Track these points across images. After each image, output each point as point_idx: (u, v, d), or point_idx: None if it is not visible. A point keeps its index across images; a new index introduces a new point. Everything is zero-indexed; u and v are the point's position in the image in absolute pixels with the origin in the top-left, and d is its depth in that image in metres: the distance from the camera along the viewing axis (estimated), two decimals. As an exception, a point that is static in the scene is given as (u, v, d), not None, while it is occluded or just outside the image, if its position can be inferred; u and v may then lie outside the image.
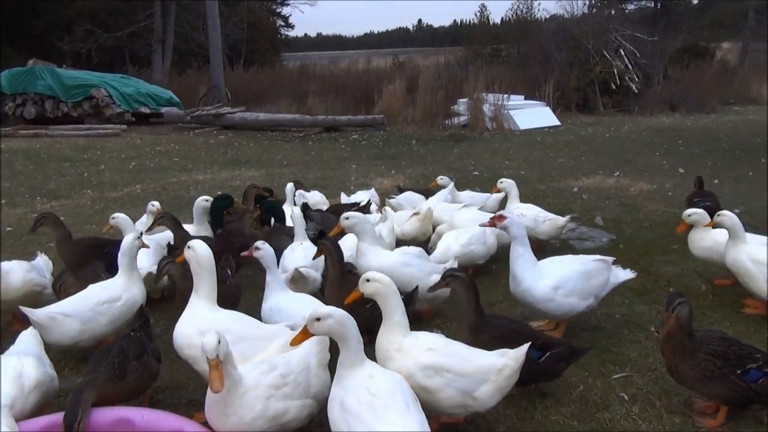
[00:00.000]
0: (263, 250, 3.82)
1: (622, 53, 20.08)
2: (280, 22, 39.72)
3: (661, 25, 24.34)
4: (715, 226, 4.42)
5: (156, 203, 5.66)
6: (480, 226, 4.43)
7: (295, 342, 2.69)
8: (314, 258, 4.23)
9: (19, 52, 23.16)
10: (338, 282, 3.86)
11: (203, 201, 5.47)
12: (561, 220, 5.65)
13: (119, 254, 3.90)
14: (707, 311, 4.38)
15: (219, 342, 2.48)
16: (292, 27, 42.19)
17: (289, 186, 6.48)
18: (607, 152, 11.85)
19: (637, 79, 19.74)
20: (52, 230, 4.84)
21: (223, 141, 15.01)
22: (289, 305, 3.58)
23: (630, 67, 19.91)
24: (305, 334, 2.63)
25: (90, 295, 3.74)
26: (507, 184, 5.98)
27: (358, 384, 2.49)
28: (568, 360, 3.20)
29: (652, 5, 29.29)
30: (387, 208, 6.07)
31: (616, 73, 19.34)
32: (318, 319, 2.57)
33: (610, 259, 4.00)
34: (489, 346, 3.04)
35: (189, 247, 3.31)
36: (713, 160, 10.53)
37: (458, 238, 5.03)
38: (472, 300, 3.25)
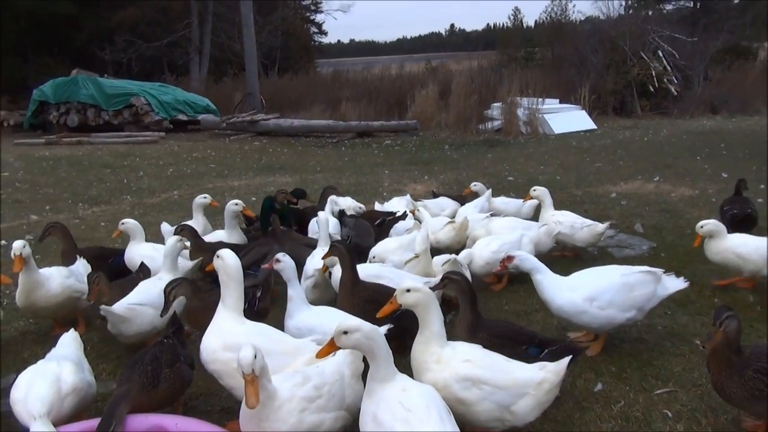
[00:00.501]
0: (284, 262, 3.70)
1: (661, 54, 19.60)
2: (313, 29, 40.13)
3: (701, 25, 23.66)
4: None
5: (240, 202, 5.68)
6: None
7: (321, 355, 2.63)
8: (323, 258, 4.14)
9: (63, 62, 23.95)
10: (351, 288, 3.82)
11: (233, 205, 5.53)
12: (600, 226, 5.51)
13: (163, 254, 4.18)
14: (755, 323, 4.19)
15: (255, 356, 2.43)
16: (326, 34, 42.63)
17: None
18: (646, 156, 11.55)
19: (676, 81, 19.25)
20: (59, 239, 4.95)
21: (258, 147, 15.19)
22: (321, 322, 3.44)
23: (669, 68, 19.42)
24: (331, 346, 2.58)
25: (149, 287, 3.99)
26: (540, 191, 5.85)
27: (391, 398, 2.43)
28: (568, 356, 3.01)
29: (691, 5, 28.52)
30: (421, 208, 6.06)
31: (654, 75, 18.89)
32: (345, 333, 2.52)
33: (659, 270, 3.80)
34: (486, 343, 3.02)
35: (218, 257, 3.30)
36: (758, 164, 10.14)
37: (490, 244, 4.98)
38: (468, 302, 3.27)
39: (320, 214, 5.02)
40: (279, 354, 3.03)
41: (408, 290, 2.84)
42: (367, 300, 3.67)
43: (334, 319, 3.36)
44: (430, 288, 3.35)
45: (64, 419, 2.84)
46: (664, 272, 3.85)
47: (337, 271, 4.15)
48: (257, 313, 3.84)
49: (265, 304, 4.05)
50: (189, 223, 5.80)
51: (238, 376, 2.54)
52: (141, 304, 3.86)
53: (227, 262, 3.24)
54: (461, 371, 2.72)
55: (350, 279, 3.86)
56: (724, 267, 4.77)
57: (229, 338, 3.05)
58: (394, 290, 3.86)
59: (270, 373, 2.60)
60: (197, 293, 3.72)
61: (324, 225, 4.87)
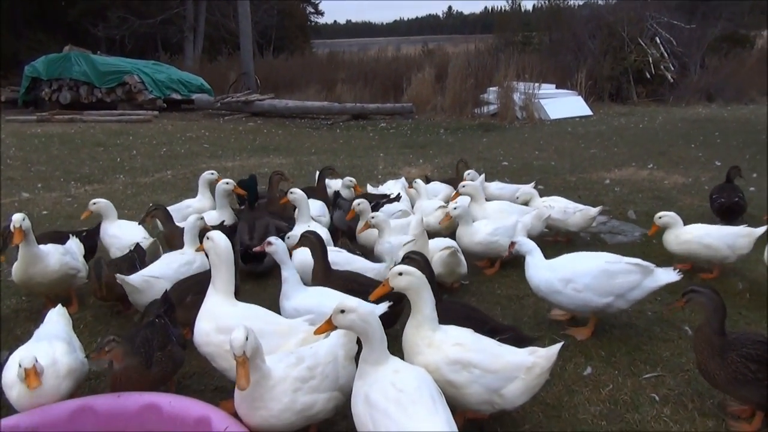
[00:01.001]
0: (276, 245, 3.72)
1: (658, 41, 19.53)
2: (309, 9, 39.71)
3: (700, 12, 23.51)
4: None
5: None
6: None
7: (319, 332, 2.67)
8: (295, 248, 4.09)
9: (55, 38, 23.61)
10: (323, 277, 3.85)
11: (224, 184, 5.54)
12: (592, 210, 5.60)
13: (185, 231, 4.36)
14: (744, 310, 4.25)
15: (246, 338, 2.46)
16: (322, 14, 42.25)
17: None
18: (641, 143, 11.57)
19: (672, 68, 19.21)
20: (162, 222, 4.97)
21: (252, 128, 15.10)
22: (318, 302, 3.44)
23: (666, 55, 19.36)
24: (329, 324, 2.61)
25: (171, 260, 4.23)
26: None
27: (383, 379, 2.46)
28: (517, 346, 3.00)
29: (690, -9, 28.36)
30: (418, 180, 6.17)
31: (651, 61, 18.84)
32: (342, 312, 2.55)
33: (650, 265, 3.82)
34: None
35: (208, 238, 3.29)
36: (752, 153, 10.19)
37: (486, 226, 5.02)
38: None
39: (295, 190, 5.06)
40: (272, 335, 3.05)
41: (400, 273, 2.84)
42: (340, 288, 3.68)
43: (330, 299, 3.40)
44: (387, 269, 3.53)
45: (57, 399, 2.85)
46: (651, 261, 3.89)
47: (299, 254, 4.19)
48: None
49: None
50: (193, 200, 5.97)
51: (230, 358, 2.56)
52: (156, 277, 3.99)
53: (217, 244, 3.23)
54: (452, 354, 2.75)
55: (322, 268, 3.91)
56: (689, 258, 4.91)
57: (221, 321, 3.06)
58: (367, 278, 3.98)
59: (264, 353, 2.62)
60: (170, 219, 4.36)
61: (302, 202, 4.93)
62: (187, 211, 5.55)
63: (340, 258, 4.36)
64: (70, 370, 2.90)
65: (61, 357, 2.90)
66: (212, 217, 5.37)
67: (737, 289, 4.63)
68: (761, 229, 4.67)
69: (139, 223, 4.97)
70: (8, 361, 2.87)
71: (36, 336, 3.12)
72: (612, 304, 3.75)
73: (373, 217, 4.81)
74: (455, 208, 5.08)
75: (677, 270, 3.83)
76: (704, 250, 4.73)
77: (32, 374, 2.80)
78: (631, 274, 3.74)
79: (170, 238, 4.87)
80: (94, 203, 4.95)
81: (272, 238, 3.80)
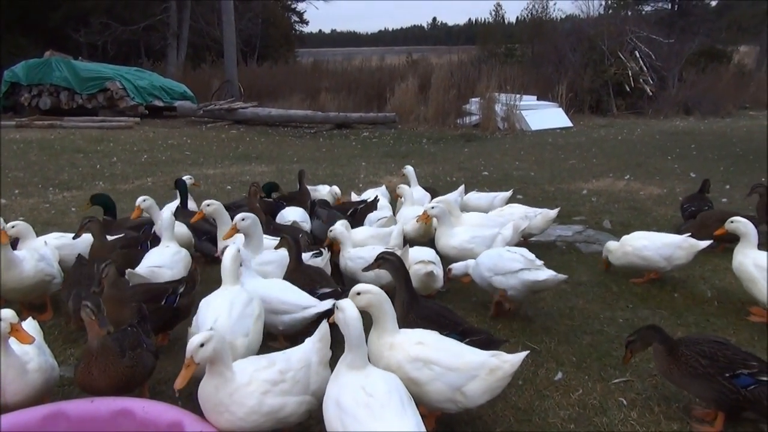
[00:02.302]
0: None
1: (638, 55, 19.91)
2: (294, 17, 39.79)
3: (678, 27, 24.06)
4: (728, 232, 4.43)
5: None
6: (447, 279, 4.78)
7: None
8: (276, 248, 4.38)
9: (36, 43, 23.39)
10: (293, 271, 4.16)
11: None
12: (551, 212, 5.79)
13: (163, 227, 4.75)
14: (712, 318, 4.35)
15: (202, 345, 2.57)
16: (307, 23, 42.30)
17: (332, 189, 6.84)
18: (619, 155, 11.78)
19: (651, 82, 19.57)
20: (95, 235, 4.81)
21: (235, 136, 15.09)
22: (263, 291, 3.73)
23: (645, 69, 19.74)
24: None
25: (160, 251, 4.56)
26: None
27: (354, 383, 2.51)
28: (486, 348, 3.09)
29: (669, 7, 28.98)
30: (402, 186, 6.24)
31: (630, 74, 19.19)
32: (359, 293, 2.83)
33: (537, 262, 4.21)
34: (413, 325, 3.17)
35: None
36: (726, 165, 10.43)
37: (464, 232, 5.07)
38: (402, 281, 3.48)
39: (212, 202, 4.97)
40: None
41: (359, 293, 2.92)
42: (304, 284, 3.97)
43: (281, 289, 3.82)
44: (364, 269, 3.75)
45: (29, 399, 2.85)
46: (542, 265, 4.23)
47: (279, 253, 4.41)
48: (176, 310, 3.83)
49: (188, 300, 3.92)
50: (172, 204, 6.00)
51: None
52: (159, 267, 4.36)
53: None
54: (413, 352, 2.82)
55: (296, 269, 4.17)
56: (627, 268, 5.08)
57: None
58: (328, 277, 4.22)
59: (228, 359, 2.67)
60: (103, 233, 4.53)
61: (220, 213, 4.92)
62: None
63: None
64: (39, 367, 2.93)
65: (32, 352, 2.96)
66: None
67: (706, 297, 4.74)
68: (704, 243, 4.78)
69: (73, 238, 4.77)
70: None
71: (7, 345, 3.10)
72: (493, 281, 4.24)
73: (331, 231, 4.84)
74: (433, 208, 5.14)
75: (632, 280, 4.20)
76: (641, 262, 4.91)
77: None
78: (515, 263, 4.18)
79: (98, 251, 4.59)
80: (13, 226, 4.58)
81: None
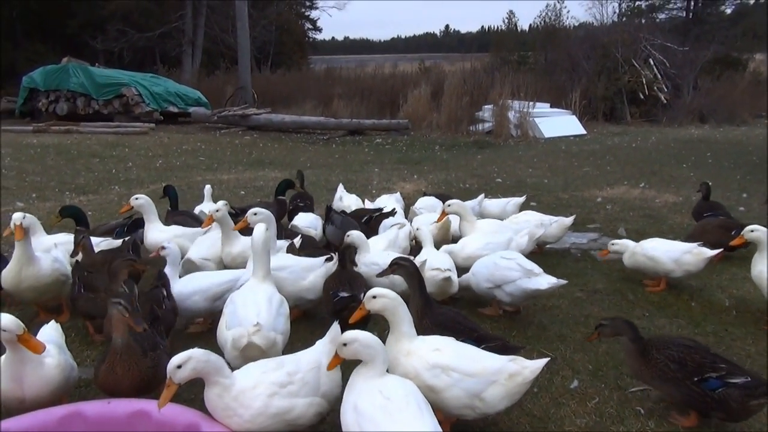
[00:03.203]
0: (168, 248, 4.35)
1: (652, 63, 19.82)
2: (308, 25, 40.07)
3: (693, 34, 23.91)
4: (747, 241, 4.41)
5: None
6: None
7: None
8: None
9: (54, 50, 23.75)
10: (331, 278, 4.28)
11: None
12: (566, 220, 5.77)
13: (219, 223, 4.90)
14: (730, 327, 4.30)
15: (179, 366, 2.59)
16: (320, 30, 42.62)
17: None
18: (633, 163, 11.70)
19: (666, 90, 19.46)
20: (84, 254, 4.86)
21: (249, 142, 15.18)
22: (193, 283, 4.13)
23: (659, 76, 19.64)
24: (337, 359, 2.69)
25: (212, 237, 4.97)
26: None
27: (371, 388, 2.51)
28: (502, 354, 3.04)
29: (684, 15, 28.82)
30: (421, 227, 5.90)
31: (644, 82, 19.09)
32: (345, 344, 2.63)
33: (536, 270, 4.23)
34: (428, 331, 3.15)
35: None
36: (742, 174, 10.32)
37: (476, 240, 5.06)
38: (416, 286, 3.47)
39: (140, 196, 5.34)
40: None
41: (374, 296, 2.92)
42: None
43: (207, 280, 4.18)
44: (378, 275, 3.76)
45: (47, 395, 2.87)
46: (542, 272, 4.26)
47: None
48: (168, 310, 3.81)
49: (174, 303, 3.96)
50: (201, 206, 6.38)
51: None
52: (205, 259, 4.83)
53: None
54: (430, 359, 2.81)
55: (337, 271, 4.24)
56: (638, 270, 5.09)
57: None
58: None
59: (219, 368, 2.67)
60: (92, 249, 4.50)
61: (147, 207, 5.31)
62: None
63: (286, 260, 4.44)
64: (59, 364, 2.96)
65: (53, 350, 3.00)
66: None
67: (724, 306, 4.68)
68: (713, 252, 4.76)
69: (72, 256, 4.61)
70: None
71: None
72: (493, 292, 4.31)
73: (348, 235, 4.74)
74: (449, 205, 5.23)
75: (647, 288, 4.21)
76: (649, 262, 4.92)
77: (18, 228, 3.91)
78: (512, 271, 4.19)
79: (88, 266, 4.48)
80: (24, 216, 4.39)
81: (165, 242, 4.44)
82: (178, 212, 6.10)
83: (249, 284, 3.59)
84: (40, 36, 25.47)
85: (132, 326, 2.95)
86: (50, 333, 3.29)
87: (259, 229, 3.70)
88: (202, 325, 4.27)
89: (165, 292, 3.90)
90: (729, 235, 5.18)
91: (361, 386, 2.54)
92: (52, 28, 25.44)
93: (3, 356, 2.93)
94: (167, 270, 4.20)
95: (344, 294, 3.95)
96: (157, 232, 5.27)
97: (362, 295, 3.89)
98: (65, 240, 4.93)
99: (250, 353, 3.13)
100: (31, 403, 2.86)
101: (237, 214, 6.24)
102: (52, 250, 4.54)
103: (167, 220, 5.89)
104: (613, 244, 5.20)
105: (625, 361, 3.31)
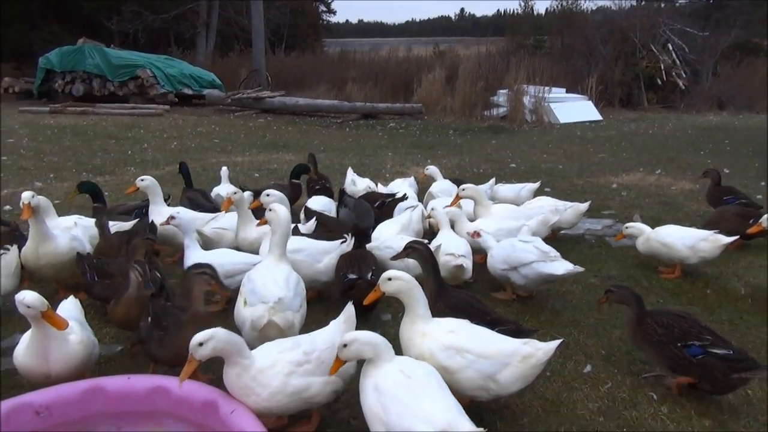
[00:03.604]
0: (178, 218, 4.43)
1: (670, 48, 19.49)
2: (322, 7, 39.82)
3: (713, 19, 23.46)
4: (764, 230, 4.40)
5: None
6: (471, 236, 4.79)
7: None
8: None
9: (70, 31, 23.77)
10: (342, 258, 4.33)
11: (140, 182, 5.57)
12: (582, 206, 5.74)
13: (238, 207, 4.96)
14: (745, 315, 4.28)
15: (201, 344, 2.64)
16: (334, 13, 42.33)
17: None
18: (650, 149, 11.58)
19: (684, 75, 19.16)
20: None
21: (262, 124, 15.20)
22: (211, 258, 3.96)
23: (678, 62, 19.32)
24: (338, 362, 2.68)
25: (228, 217, 5.09)
26: (470, 190, 5.48)
27: (391, 368, 2.54)
28: (516, 337, 3.06)
29: (704, -1, 28.28)
30: (436, 207, 5.94)
31: (662, 68, 18.81)
32: (345, 345, 2.63)
33: (553, 254, 4.26)
34: (442, 314, 3.16)
35: (270, 209, 3.79)
36: (761, 162, 10.18)
37: (488, 225, 5.06)
38: (430, 270, 3.51)
39: (145, 177, 5.31)
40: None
41: (390, 278, 2.94)
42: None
43: (225, 257, 4.22)
44: (392, 258, 3.80)
45: (71, 370, 2.94)
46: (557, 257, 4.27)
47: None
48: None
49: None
50: (218, 188, 6.45)
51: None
52: (224, 228, 5.01)
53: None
54: (445, 341, 2.84)
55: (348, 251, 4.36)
56: (652, 257, 5.07)
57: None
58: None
59: (239, 348, 2.71)
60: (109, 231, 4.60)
61: (153, 188, 5.28)
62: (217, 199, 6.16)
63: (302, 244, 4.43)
64: (82, 340, 3.03)
65: (75, 326, 3.07)
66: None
67: (740, 294, 4.66)
68: (729, 239, 4.73)
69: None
70: (21, 340, 3.02)
71: None
72: (508, 274, 4.33)
73: (433, 209, 5.12)
74: (464, 189, 5.28)
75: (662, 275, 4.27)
76: (663, 249, 4.90)
77: (26, 207, 3.96)
78: (528, 253, 4.21)
79: (104, 249, 4.61)
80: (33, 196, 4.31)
81: (174, 213, 4.57)
82: (192, 189, 6.20)
83: (265, 262, 3.62)
84: (56, 17, 25.51)
85: (141, 287, 3.31)
86: (70, 308, 3.36)
87: (283, 206, 3.74)
88: (219, 305, 4.32)
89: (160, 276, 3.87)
90: (746, 224, 5.16)
91: (378, 370, 2.57)
92: (68, 10, 25.46)
93: (28, 332, 3.01)
94: (186, 241, 4.30)
95: (352, 276, 4.01)
96: (157, 215, 5.21)
97: (370, 275, 3.95)
98: (72, 224, 4.85)
99: (269, 332, 3.18)
100: (56, 378, 2.93)
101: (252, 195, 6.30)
102: (72, 229, 4.60)
103: (182, 198, 6.04)
104: (627, 228, 5.17)
105: (625, 327, 3.49)
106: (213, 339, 2.65)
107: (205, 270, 3.08)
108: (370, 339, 2.63)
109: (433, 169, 6.68)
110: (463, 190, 5.43)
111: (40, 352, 2.92)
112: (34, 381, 2.96)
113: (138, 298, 3.38)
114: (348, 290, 3.92)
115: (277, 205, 3.80)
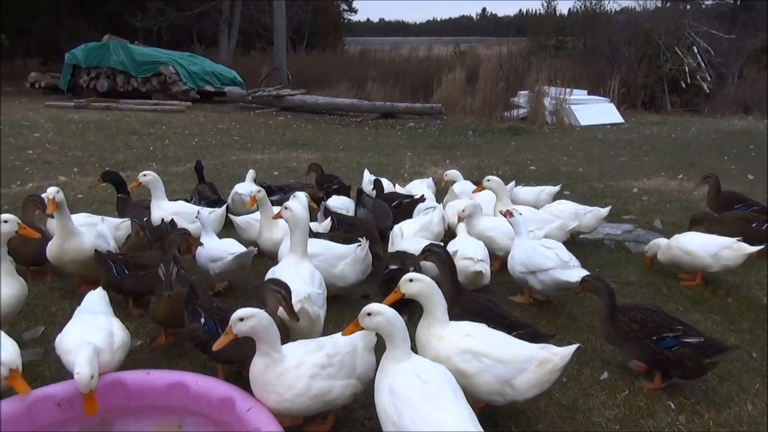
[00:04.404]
0: (201, 216, 4.73)
1: (695, 50, 19.20)
2: (343, 6, 40.00)
3: (740, 22, 23.03)
4: None
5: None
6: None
7: (347, 333, 2.77)
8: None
9: (95, 27, 24.18)
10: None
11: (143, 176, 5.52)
12: (602, 211, 5.69)
13: (260, 205, 5.01)
14: (766, 325, 4.21)
15: (241, 320, 2.67)
16: (355, 11, 42.56)
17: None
18: (672, 153, 11.42)
19: (709, 79, 18.85)
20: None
21: (282, 122, 15.29)
22: (224, 248, 4.42)
23: (703, 65, 19.02)
24: (356, 326, 2.71)
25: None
26: (494, 182, 5.48)
27: (408, 371, 2.54)
28: (533, 342, 3.04)
29: (731, 1, 27.77)
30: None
31: (687, 70, 18.53)
32: (369, 314, 2.64)
33: (572, 261, 4.22)
34: (459, 318, 3.15)
35: (286, 208, 3.84)
36: (787, 168, 9.98)
37: (504, 224, 5.01)
38: (448, 274, 3.52)
39: (148, 173, 5.40)
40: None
41: (411, 280, 2.94)
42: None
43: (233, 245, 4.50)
44: (410, 261, 3.87)
45: (111, 371, 2.99)
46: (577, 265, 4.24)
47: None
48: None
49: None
50: (240, 185, 6.52)
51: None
52: (255, 219, 5.23)
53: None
54: (462, 345, 2.84)
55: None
56: (674, 264, 5.00)
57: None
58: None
59: (274, 341, 2.72)
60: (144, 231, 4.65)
61: (155, 183, 5.35)
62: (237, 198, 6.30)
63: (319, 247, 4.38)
64: (124, 343, 3.10)
65: (118, 330, 3.13)
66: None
67: (761, 303, 4.58)
68: (753, 248, 4.64)
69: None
70: (65, 331, 3.08)
71: (79, 312, 3.28)
72: (526, 278, 4.31)
73: (488, 179, 5.37)
74: (488, 180, 5.38)
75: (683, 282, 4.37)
76: (686, 256, 4.84)
77: (50, 203, 4.05)
78: (547, 259, 4.19)
79: (135, 247, 4.64)
80: (58, 191, 4.26)
81: (178, 208, 5.07)
82: (202, 183, 6.51)
83: (289, 259, 3.67)
84: (82, 13, 25.93)
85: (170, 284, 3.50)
86: (98, 300, 3.40)
87: (299, 204, 3.77)
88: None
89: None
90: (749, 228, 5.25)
91: (395, 368, 2.57)
92: (93, 6, 25.87)
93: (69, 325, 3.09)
94: (203, 233, 4.60)
95: (394, 266, 4.08)
96: (158, 210, 5.27)
97: (412, 269, 3.98)
98: (85, 222, 4.77)
99: (301, 324, 3.21)
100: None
101: (274, 192, 6.34)
102: (97, 225, 4.68)
103: (193, 191, 6.49)
104: (647, 251, 5.19)
105: (597, 323, 3.56)
106: (254, 318, 2.68)
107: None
108: (393, 319, 2.62)
109: (453, 173, 6.62)
110: (488, 180, 5.48)
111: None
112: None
113: (180, 294, 3.46)
114: (389, 281, 3.97)
115: (294, 203, 3.86)
